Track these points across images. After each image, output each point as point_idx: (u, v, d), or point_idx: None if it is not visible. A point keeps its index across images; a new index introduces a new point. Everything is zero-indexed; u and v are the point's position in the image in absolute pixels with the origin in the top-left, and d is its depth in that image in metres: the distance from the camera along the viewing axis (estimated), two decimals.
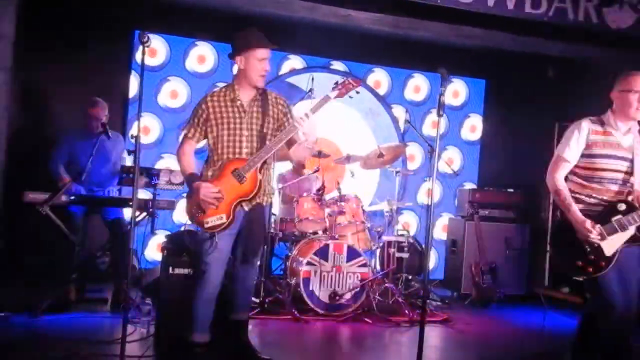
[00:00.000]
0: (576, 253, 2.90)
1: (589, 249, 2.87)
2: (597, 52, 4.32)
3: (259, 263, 3.48)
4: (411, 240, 5.61)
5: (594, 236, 2.83)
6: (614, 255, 2.85)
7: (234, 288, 3.36)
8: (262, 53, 3.11)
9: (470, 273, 5.63)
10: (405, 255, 5.37)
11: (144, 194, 4.54)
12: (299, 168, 5.51)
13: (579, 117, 4.52)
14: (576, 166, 3.00)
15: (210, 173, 3.14)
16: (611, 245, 2.85)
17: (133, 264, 5.12)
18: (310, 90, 5.08)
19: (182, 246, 3.64)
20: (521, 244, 5.87)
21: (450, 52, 5.46)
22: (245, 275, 3.36)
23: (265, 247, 4.69)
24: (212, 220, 3.04)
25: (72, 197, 4.09)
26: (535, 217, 6.01)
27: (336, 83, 3.24)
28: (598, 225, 2.84)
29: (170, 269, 3.63)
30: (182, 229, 4.29)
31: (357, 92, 3.27)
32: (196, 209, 3.07)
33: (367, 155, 5.38)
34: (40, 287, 4.22)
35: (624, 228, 2.84)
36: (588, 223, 2.84)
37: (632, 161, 2.93)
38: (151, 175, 4.31)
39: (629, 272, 2.92)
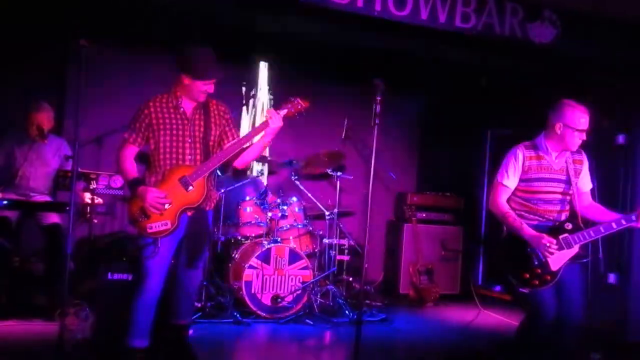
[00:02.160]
0: (523, 266, 3.05)
1: (536, 263, 3.03)
2: (521, 63, 4.61)
3: (204, 265, 3.50)
4: (352, 243, 5.75)
5: (553, 248, 2.96)
6: (558, 270, 3.02)
7: (177, 293, 3.35)
8: (206, 86, 3.15)
9: (407, 274, 5.84)
10: (346, 257, 5.51)
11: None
12: (239, 173, 5.54)
13: (509, 126, 4.79)
14: (517, 189, 3.16)
15: (153, 179, 3.14)
16: (557, 261, 3.01)
17: (71, 270, 5.03)
18: (253, 95, 5.15)
19: (122, 251, 3.62)
20: (456, 245, 6.15)
21: (393, 60, 5.62)
22: (189, 281, 3.34)
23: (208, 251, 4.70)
24: (156, 226, 3.04)
25: (5, 202, 3.97)
26: (469, 220, 6.29)
27: (286, 101, 3.27)
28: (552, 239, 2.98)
29: (109, 274, 3.60)
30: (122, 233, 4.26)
31: (304, 115, 3.31)
32: (139, 213, 3.05)
33: (308, 159, 5.49)
34: None
35: (569, 246, 3.00)
36: (546, 236, 2.98)
37: (566, 182, 3.11)
38: (89, 179, 4.26)
39: (570, 287, 3.09)
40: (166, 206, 3.03)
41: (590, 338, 4.50)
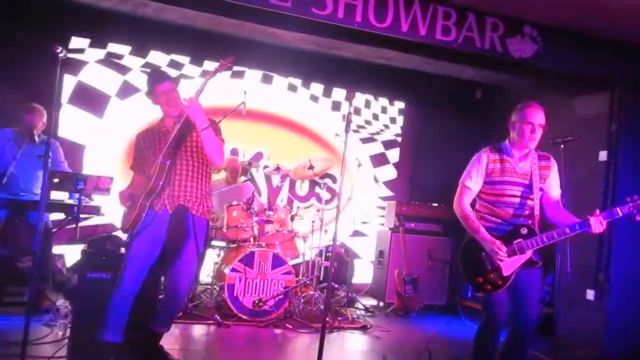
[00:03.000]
0: (478, 270, 3.12)
1: (490, 268, 3.09)
2: (503, 77, 4.66)
3: (191, 274, 3.44)
4: (338, 250, 5.82)
5: (502, 255, 3.03)
6: (510, 275, 3.07)
7: (164, 296, 3.46)
8: (161, 88, 3.33)
9: (393, 283, 5.88)
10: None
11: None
12: (231, 177, 5.65)
13: (503, 138, 4.83)
14: (481, 191, 3.24)
15: None
16: (509, 266, 3.06)
17: (60, 269, 5.15)
18: (243, 103, 5.23)
19: (102, 250, 3.71)
20: (444, 256, 6.17)
21: (379, 71, 5.71)
22: (172, 281, 3.36)
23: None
24: (127, 220, 3.27)
25: None
26: (458, 231, 6.30)
27: (215, 67, 3.34)
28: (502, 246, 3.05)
29: (89, 272, 3.69)
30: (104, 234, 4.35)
31: (230, 68, 3.43)
32: (123, 220, 3.33)
33: (297, 166, 5.58)
34: None
35: (522, 251, 3.05)
36: (497, 243, 3.05)
37: (529, 186, 3.15)
38: (77, 180, 4.36)
39: (524, 294, 3.13)
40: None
41: (568, 351, 4.53)
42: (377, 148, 7.12)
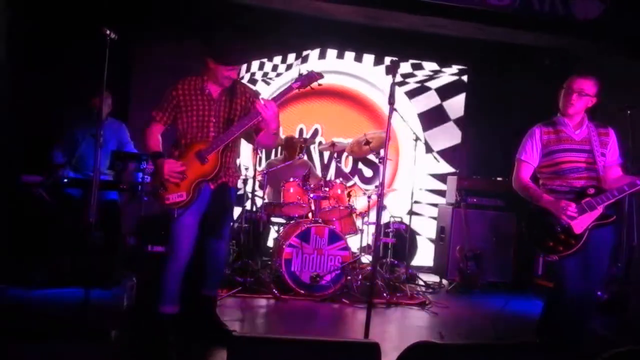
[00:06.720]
0: (547, 234, 3.08)
1: (559, 229, 3.04)
2: (565, 42, 4.36)
3: (227, 240, 3.65)
4: (397, 226, 5.75)
5: (571, 211, 2.98)
6: (583, 233, 3.02)
7: (205, 263, 3.55)
8: (227, 72, 3.29)
9: (455, 259, 5.75)
10: (390, 240, 5.53)
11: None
12: (289, 155, 5.71)
13: None
14: (541, 167, 3.21)
15: (176, 153, 3.35)
16: (581, 224, 3.02)
17: (130, 244, 5.45)
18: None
19: (158, 226, 3.90)
20: (509, 232, 5.94)
21: (438, 41, 5.54)
22: (214, 253, 3.52)
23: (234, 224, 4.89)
24: (172, 197, 3.25)
25: (65, 180, 4.38)
26: (523, 206, 6.05)
27: (300, 75, 3.38)
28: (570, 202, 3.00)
29: (149, 247, 3.90)
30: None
31: (319, 85, 3.36)
32: (159, 186, 3.28)
33: (352, 142, 5.54)
34: (36, 262, 4.55)
35: (592, 208, 3.01)
36: (563, 201, 3.01)
37: (589, 152, 3.11)
38: (140, 160, 4.58)
39: (594, 257, 3.07)
40: (183, 173, 3.24)
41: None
42: (430, 100, 6.75)
